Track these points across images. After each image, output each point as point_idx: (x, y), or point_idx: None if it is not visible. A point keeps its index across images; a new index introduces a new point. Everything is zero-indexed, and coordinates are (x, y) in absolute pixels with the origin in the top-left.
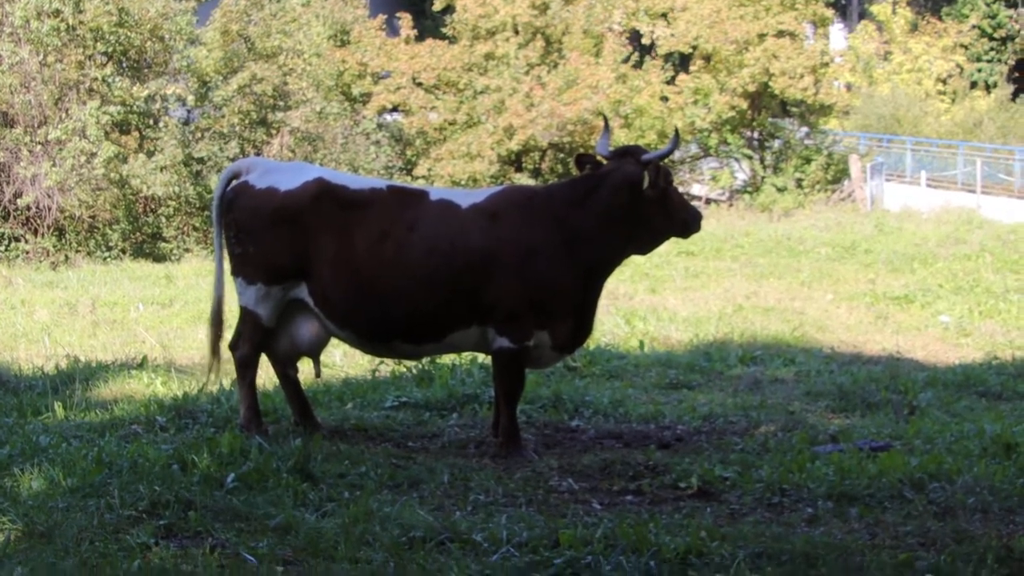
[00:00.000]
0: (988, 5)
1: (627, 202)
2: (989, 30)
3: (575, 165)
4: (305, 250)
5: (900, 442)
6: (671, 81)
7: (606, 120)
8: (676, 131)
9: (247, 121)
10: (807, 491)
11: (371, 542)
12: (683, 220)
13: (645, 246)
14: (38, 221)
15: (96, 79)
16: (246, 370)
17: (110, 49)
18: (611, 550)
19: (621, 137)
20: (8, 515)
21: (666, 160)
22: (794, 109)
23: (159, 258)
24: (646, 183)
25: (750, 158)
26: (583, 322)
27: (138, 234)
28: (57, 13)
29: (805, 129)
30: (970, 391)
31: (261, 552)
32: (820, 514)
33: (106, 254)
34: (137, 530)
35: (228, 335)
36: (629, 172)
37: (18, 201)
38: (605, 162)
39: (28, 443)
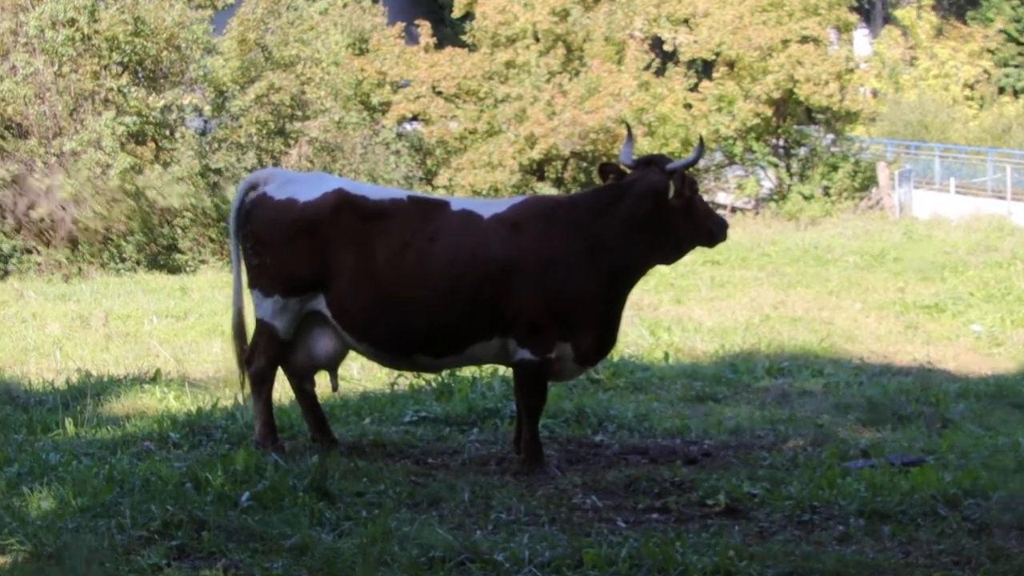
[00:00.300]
0: (1014, 9)
1: (651, 211)
2: (1016, 34)
3: (598, 174)
4: (324, 262)
5: (933, 456)
6: (694, 88)
7: (629, 128)
8: (701, 139)
9: (265, 131)
10: (838, 508)
11: (389, 563)
12: (708, 229)
13: (670, 256)
14: (51, 233)
15: (111, 89)
16: (262, 384)
17: (126, 59)
18: (636, 570)
19: (644, 145)
20: (16, 536)
21: (691, 169)
22: (820, 116)
23: (174, 270)
24: (671, 192)
25: (776, 166)
26: (607, 333)
27: (153, 246)
28: (72, 22)
29: (831, 136)
30: (1004, 403)
31: (276, 573)
32: (851, 532)
33: (120, 266)
34: (149, 551)
35: None
36: (654, 181)
37: (31, 213)
38: (629, 171)
39: (37, 461)
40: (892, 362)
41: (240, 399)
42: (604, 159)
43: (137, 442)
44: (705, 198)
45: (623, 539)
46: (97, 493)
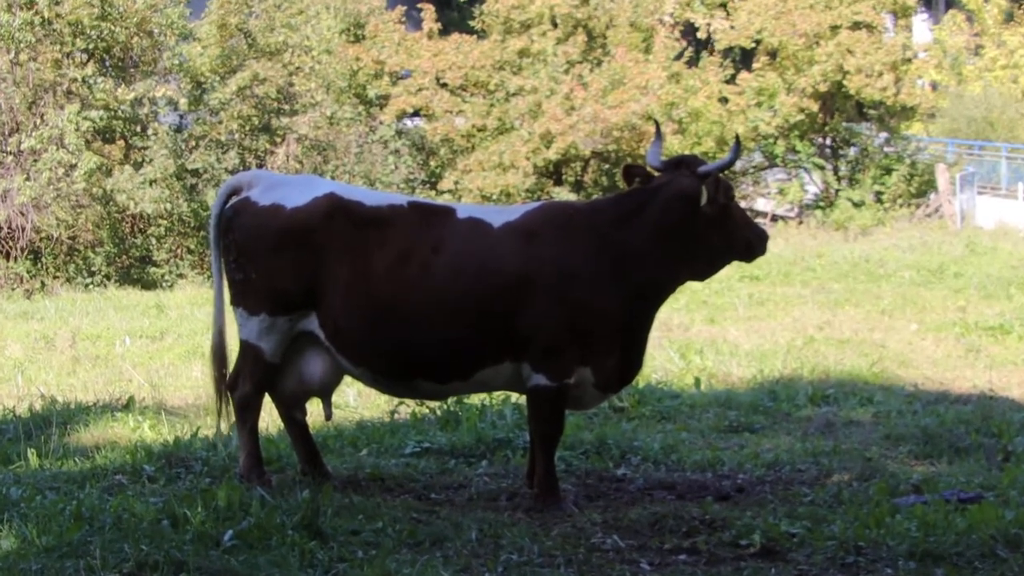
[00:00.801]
0: None
1: (681, 220)
2: None
3: (623, 178)
4: (315, 276)
5: (993, 493)
6: (731, 80)
7: (658, 126)
8: (737, 138)
9: (248, 128)
10: (886, 549)
11: None
12: (746, 241)
13: (703, 271)
14: (10, 243)
15: (75, 80)
16: (247, 412)
17: (91, 46)
18: None
19: (674, 145)
20: None
21: (726, 172)
22: (872, 112)
23: (148, 285)
24: (704, 199)
25: (822, 168)
26: (631, 357)
27: (124, 257)
28: (31, 5)
29: (884, 135)
30: None
31: None
32: (901, 575)
33: (88, 280)
34: None
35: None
36: (684, 186)
37: None
38: (657, 174)
39: None
40: (950, 389)
41: (219, 431)
42: (629, 160)
43: (108, 475)
44: (742, 205)
45: None
46: (64, 531)
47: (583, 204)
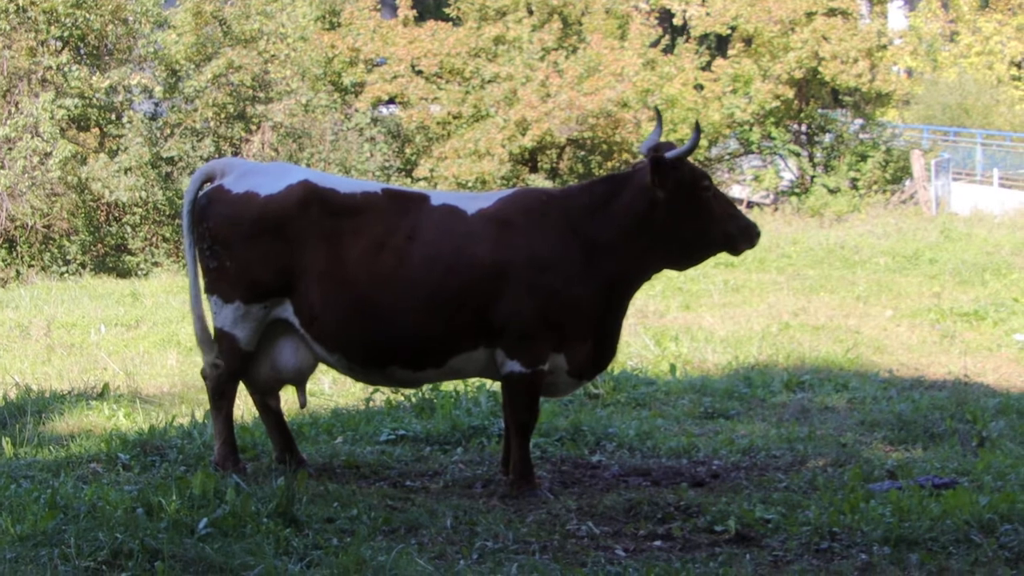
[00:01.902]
0: None
1: (648, 210)
2: None
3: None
4: (289, 264)
5: (967, 478)
6: (706, 67)
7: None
8: (697, 125)
9: (223, 115)
10: (861, 535)
11: None
12: (725, 234)
13: (678, 261)
14: None
15: (50, 68)
16: (221, 400)
17: (66, 33)
18: None
19: (649, 132)
20: None
21: (693, 159)
22: (847, 99)
23: (124, 273)
24: (648, 180)
25: (797, 155)
26: (605, 344)
27: (100, 246)
28: None
29: (860, 121)
30: None
31: None
32: (875, 561)
33: (63, 269)
34: None
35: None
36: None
37: None
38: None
39: None
40: (925, 375)
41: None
42: (604, 147)
43: (83, 464)
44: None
45: (622, 569)
46: (38, 520)
47: (556, 191)
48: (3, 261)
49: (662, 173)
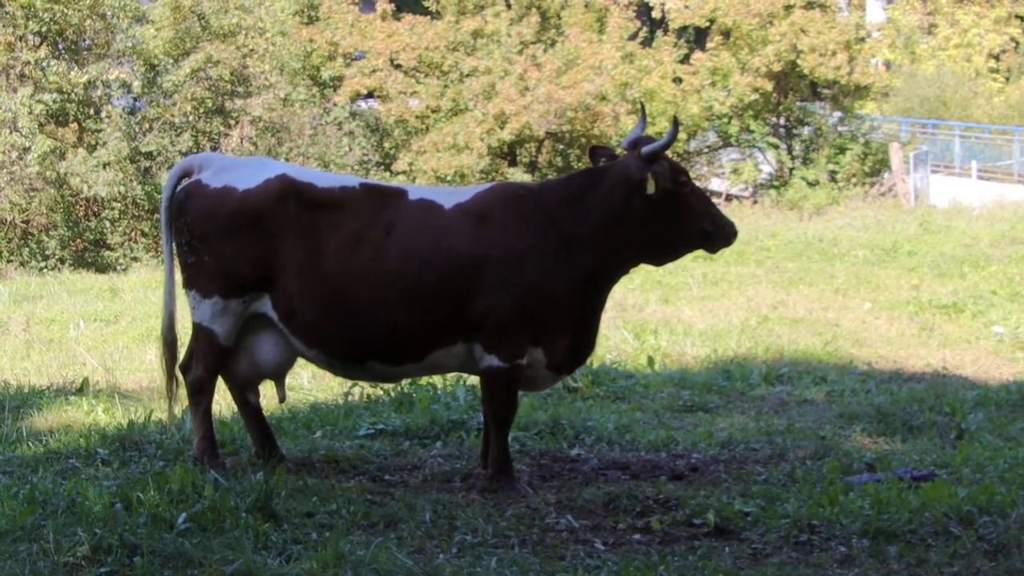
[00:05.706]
0: None
1: (624, 204)
2: None
3: (589, 159)
4: (267, 258)
5: (946, 471)
6: (685, 60)
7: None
8: (675, 119)
9: (201, 110)
10: (839, 527)
11: None
12: (702, 232)
13: (656, 256)
14: None
15: (28, 63)
16: (200, 395)
17: (44, 28)
18: None
19: (628, 125)
20: None
21: (671, 154)
22: (826, 91)
23: (103, 268)
24: (636, 176)
25: (776, 148)
26: (584, 337)
27: (79, 241)
28: None
29: (838, 114)
30: None
31: None
32: (854, 554)
33: (42, 264)
34: None
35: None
36: (630, 168)
37: None
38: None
39: None
40: (903, 368)
41: (171, 415)
42: (583, 140)
43: (61, 459)
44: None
45: (601, 563)
46: (17, 516)
47: (534, 185)
48: None
49: (660, 172)
